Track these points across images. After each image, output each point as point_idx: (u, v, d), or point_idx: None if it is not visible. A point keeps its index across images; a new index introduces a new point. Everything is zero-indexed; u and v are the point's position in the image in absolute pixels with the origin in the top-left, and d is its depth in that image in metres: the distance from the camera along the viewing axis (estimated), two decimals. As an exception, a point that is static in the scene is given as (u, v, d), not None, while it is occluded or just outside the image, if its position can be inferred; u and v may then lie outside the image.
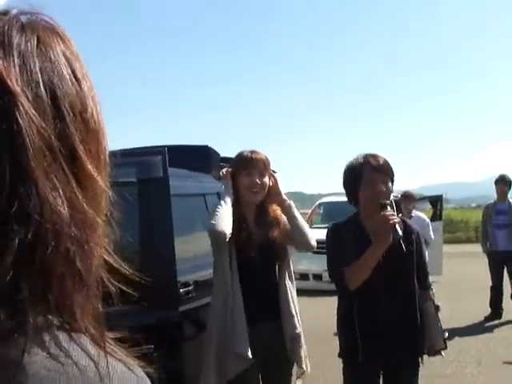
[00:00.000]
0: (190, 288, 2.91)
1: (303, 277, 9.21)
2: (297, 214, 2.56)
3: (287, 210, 2.55)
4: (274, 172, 5.95)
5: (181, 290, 2.81)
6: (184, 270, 2.98)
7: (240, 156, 2.51)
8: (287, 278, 2.51)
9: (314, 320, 6.57)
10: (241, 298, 2.33)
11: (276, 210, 2.55)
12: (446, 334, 2.46)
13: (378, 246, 2.30)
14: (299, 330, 2.47)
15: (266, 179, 2.54)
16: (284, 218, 2.57)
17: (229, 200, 2.41)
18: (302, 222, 2.56)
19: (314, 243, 2.56)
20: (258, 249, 2.44)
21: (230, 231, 2.29)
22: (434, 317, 2.41)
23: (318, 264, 8.91)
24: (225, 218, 2.30)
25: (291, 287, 2.51)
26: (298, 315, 2.49)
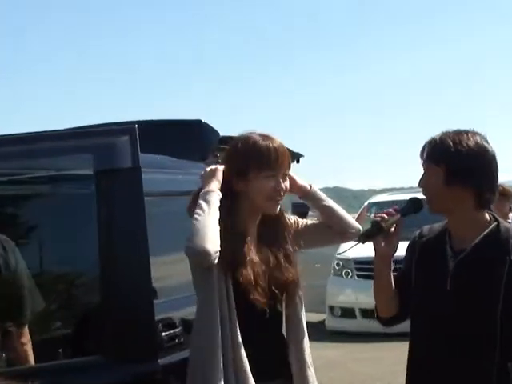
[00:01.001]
0: (175, 330, 2.91)
1: (347, 313, 9.22)
2: (324, 195, 2.69)
3: (313, 196, 2.66)
4: (300, 156, 5.83)
5: (162, 334, 2.82)
6: (166, 305, 2.99)
7: (255, 146, 2.51)
8: (300, 318, 2.61)
9: (363, 379, 6.54)
10: (244, 355, 2.40)
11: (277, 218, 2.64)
12: None
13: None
14: None
15: (288, 182, 2.60)
16: (291, 218, 2.67)
17: (214, 203, 2.42)
18: (334, 203, 2.69)
19: (358, 224, 2.72)
20: (267, 281, 2.51)
21: (217, 248, 2.33)
22: None
23: (368, 294, 8.86)
24: (206, 232, 2.34)
25: (305, 334, 2.61)
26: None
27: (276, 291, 2.52)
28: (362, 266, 8.95)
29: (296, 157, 6.18)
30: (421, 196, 2.53)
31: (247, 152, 2.51)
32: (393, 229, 2.48)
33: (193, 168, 3.97)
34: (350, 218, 2.70)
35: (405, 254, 2.60)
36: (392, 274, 2.54)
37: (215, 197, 2.44)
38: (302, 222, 2.70)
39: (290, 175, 2.61)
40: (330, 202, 2.68)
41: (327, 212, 2.66)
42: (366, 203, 11.24)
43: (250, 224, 2.53)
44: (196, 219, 2.37)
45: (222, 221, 2.44)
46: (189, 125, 4.32)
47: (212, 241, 2.33)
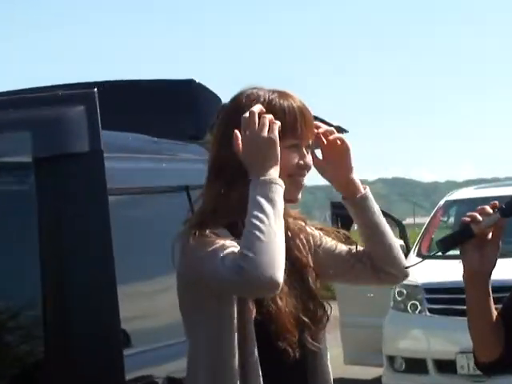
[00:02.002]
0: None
1: (415, 366, 9.15)
2: (377, 207, 2.74)
3: (363, 203, 2.71)
4: (342, 131, 5.97)
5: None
6: (143, 357, 3.03)
7: (271, 106, 2.57)
8: (327, 362, 2.69)
9: None
10: None
11: (293, 218, 2.71)
12: None
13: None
14: None
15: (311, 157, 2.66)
16: (313, 229, 2.74)
17: (280, 204, 2.46)
18: (386, 224, 2.74)
19: (406, 264, 2.79)
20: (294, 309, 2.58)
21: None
22: None
23: (446, 337, 8.83)
24: (275, 253, 2.41)
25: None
26: None
27: (306, 320, 2.59)
28: (436, 297, 8.94)
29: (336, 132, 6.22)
30: None
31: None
32: (490, 234, 2.49)
33: (183, 151, 3.99)
34: (400, 252, 2.76)
35: None
36: (492, 302, 2.54)
37: (280, 192, 2.46)
38: (324, 240, 2.75)
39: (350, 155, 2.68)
40: (383, 220, 2.73)
41: (373, 232, 2.71)
42: (441, 202, 11.11)
43: None
44: (259, 230, 2.38)
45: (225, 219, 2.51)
46: (175, 87, 4.32)
47: (282, 266, 2.38)
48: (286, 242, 2.53)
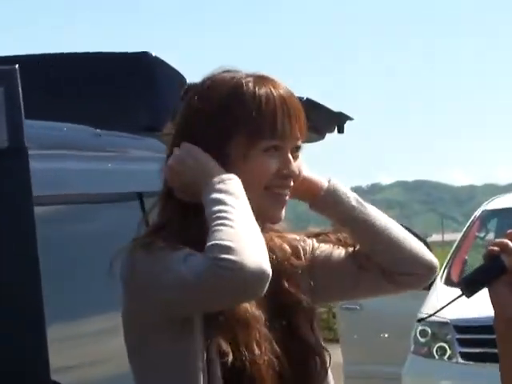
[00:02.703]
0: None
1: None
2: (356, 197, 2.73)
3: (332, 200, 2.72)
4: (345, 118, 5.93)
5: None
6: None
7: (244, 95, 2.57)
8: None
9: None
10: None
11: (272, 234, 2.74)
12: None
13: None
14: None
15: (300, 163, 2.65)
16: (306, 239, 2.76)
17: (242, 195, 2.51)
18: (377, 213, 2.74)
19: (432, 258, 2.76)
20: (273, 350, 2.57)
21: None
22: None
23: None
24: (255, 239, 2.45)
25: None
26: None
27: (291, 374, 2.58)
28: (470, 337, 9.01)
29: (338, 120, 6.32)
30: None
31: (228, 105, 2.55)
32: None
33: (135, 147, 4.03)
34: (413, 242, 2.74)
35: None
36: None
37: (238, 183, 2.48)
38: (320, 248, 2.76)
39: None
40: (371, 211, 2.73)
41: (362, 232, 2.72)
42: (477, 212, 11.17)
43: None
44: (227, 219, 2.40)
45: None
46: (125, 62, 4.33)
47: (266, 253, 2.41)
48: None
